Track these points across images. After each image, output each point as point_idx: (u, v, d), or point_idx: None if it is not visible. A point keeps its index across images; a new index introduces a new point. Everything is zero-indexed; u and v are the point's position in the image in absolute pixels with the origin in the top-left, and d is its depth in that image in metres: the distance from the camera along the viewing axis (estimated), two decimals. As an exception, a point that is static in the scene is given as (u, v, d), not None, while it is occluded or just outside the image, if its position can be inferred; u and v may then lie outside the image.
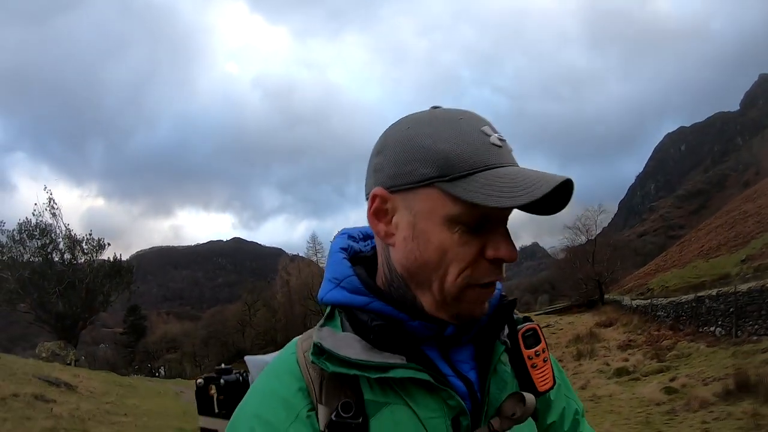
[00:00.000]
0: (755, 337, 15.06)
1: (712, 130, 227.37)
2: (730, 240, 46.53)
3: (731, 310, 17.12)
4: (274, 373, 0.79)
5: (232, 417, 0.78)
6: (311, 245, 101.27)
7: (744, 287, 17.17)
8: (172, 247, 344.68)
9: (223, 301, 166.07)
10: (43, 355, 24.72)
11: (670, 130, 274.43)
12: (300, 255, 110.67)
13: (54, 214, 31.30)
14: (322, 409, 0.74)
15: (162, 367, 67.29)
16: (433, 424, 0.74)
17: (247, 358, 1.00)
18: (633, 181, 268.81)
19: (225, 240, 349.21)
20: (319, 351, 0.74)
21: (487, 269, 0.76)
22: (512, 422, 0.78)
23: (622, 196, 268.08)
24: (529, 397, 0.79)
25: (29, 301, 30.06)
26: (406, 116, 0.82)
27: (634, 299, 31.79)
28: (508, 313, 0.85)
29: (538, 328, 0.86)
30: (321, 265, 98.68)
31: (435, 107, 0.81)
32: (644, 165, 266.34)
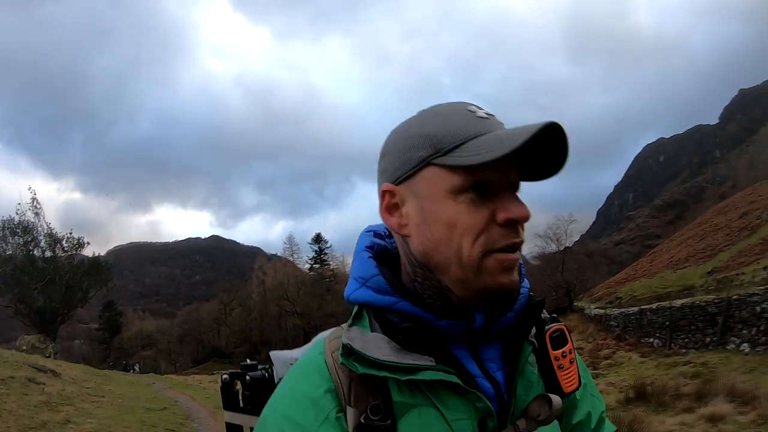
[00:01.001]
0: (683, 350, 16.34)
1: (690, 142, 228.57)
2: (699, 252, 47.15)
3: (667, 323, 18.23)
4: (303, 372, 0.79)
5: (260, 416, 0.79)
6: (288, 246, 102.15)
7: (678, 303, 18.38)
8: (150, 243, 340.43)
9: (200, 298, 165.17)
10: (24, 347, 25.67)
11: (649, 142, 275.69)
12: (278, 254, 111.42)
13: (37, 213, 32.48)
14: (350, 411, 0.73)
15: (137, 364, 67.53)
16: (460, 426, 0.73)
17: (272, 353, 1.03)
18: (611, 190, 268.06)
19: (203, 237, 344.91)
20: (348, 352, 0.74)
21: (501, 233, 0.76)
22: (538, 424, 0.78)
23: (601, 205, 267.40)
24: (556, 399, 0.78)
25: (11, 296, 30.97)
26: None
27: (595, 308, 32.35)
28: (536, 313, 0.85)
29: (565, 329, 0.86)
30: (298, 266, 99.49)
31: None
32: (623, 175, 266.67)
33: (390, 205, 0.82)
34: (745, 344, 13.77)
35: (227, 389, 1.07)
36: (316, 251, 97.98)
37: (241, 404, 1.04)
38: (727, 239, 44.05)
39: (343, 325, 0.83)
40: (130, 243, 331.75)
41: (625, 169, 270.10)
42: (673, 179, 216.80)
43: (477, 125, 0.76)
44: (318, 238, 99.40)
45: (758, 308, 13.62)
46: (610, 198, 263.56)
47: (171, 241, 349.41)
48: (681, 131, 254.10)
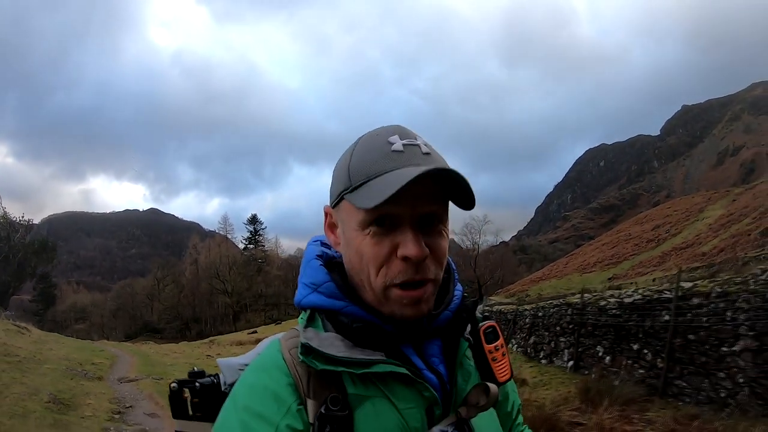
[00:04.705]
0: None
1: (631, 150, 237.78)
2: (607, 258, 52.00)
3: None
4: (263, 368, 0.82)
5: (221, 410, 0.81)
6: (222, 225, 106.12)
7: (495, 308, 23.14)
8: (86, 213, 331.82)
9: (135, 273, 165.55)
10: (-20, 315, 30.95)
11: (588, 148, 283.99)
12: (216, 231, 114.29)
13: (-4, 200, 36.75)
14: (310, 403, 0.77)
15: (70, 338, 70.99)
16: (410, 414, 0.79)
17: (219, 360, 1.04)
18: (551, 189, 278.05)
19: (141, 210, 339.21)
20: (307, 350, 0.79)
21: (401, 268, 0.80)
22: (477, 410, 0.85)
23: (539, 203, 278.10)
24: (493, 387, 0.86)
25: (-32, 271, 35.42)
26: None
27: (490, 306, 33.71)
28: (470, 313, 0.92)
29: (496, 325, 0.93)
30: (233, 243, 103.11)
31: None
32: (562, 177, 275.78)
33: (330, 224, 0.91)
34: (516, 345, 16.41)
35: (176, 398, 1.05)
36: (251, 232, 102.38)
37: (191, 412, 1.04)
38: (635, 249, 49.55)
39: (296, 328, 0.89)
40: (66, 212, 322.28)
41: (562, 172, 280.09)
42: (611, 184, 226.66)
43: (386, 162, 0.80)
44: (254, 219, 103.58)
45: (527, 320, 16.03)
46: (550, 197, 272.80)
47: (108, 212, 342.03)
48: (623, 139, 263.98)
